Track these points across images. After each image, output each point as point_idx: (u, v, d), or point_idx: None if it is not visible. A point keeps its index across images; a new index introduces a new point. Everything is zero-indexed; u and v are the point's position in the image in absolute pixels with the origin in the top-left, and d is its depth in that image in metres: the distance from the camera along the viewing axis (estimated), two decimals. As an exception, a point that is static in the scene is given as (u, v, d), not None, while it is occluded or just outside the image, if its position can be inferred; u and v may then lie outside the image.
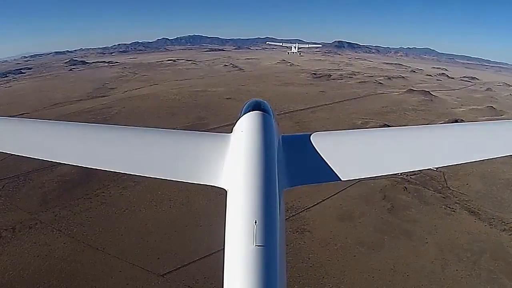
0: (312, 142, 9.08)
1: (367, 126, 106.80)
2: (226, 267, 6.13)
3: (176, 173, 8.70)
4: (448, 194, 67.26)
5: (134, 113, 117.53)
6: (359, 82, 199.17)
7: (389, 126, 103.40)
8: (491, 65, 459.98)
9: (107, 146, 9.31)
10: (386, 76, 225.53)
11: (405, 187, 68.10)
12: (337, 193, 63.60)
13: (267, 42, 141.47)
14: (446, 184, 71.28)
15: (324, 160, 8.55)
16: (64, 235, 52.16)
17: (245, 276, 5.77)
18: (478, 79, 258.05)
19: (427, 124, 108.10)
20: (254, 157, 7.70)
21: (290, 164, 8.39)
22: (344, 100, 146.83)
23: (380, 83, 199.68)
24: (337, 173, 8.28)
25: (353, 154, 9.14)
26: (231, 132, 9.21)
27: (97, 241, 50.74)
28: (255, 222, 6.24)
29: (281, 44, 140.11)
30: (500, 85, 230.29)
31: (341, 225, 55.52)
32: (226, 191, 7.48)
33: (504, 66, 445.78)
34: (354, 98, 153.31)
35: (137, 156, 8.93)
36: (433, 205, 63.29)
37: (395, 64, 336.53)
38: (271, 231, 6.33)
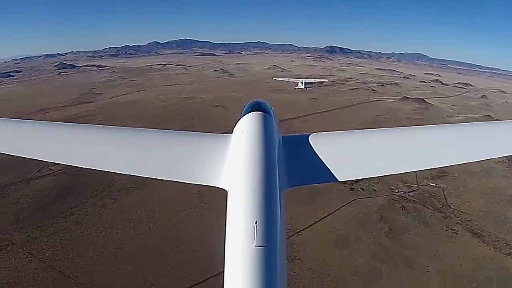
0: (313, 143, 8.91)
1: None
2: (227, 267, 5.94)
3: (176, 174, 8.32)
4: (449, 214, 63.49)
5: (118, 121, 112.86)
6: (352, 89, 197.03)
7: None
8: (483, 70, 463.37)
9: (108, 147, 9.09)
10: (379, 83, 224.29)
11: (403, 206, 64.26)
12: (330, 213, 59.81)
13: (273, 78, 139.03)
14: (446, 201, 67.71)
15: (325, 161, 8.41)
16: (35, 260, 47.99)
17: (246, 276, 5.59)
18: (472, 85, 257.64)
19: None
20: (255, 158, 7.63)
21: (291, 165, 8.27)
22: (337, 108, 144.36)
23: (373, 90, 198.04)
24: (337, 173, 8.11)
25: (353, 155, 8.95)
26: (232, 132, 9.06)
27: (70, 268, 46.53)
28: (255, 223, 6.09)
29: (288, 79, 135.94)
30: (494, 92, 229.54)
31: (335, 252, 51.17)
32: (226, 192, 7.34)
33: (496, 72, 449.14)
34: (347, 106, 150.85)
35: (138, 157, 8.82)
36: (434, 226, 59.31)
37: (388, 70, 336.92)
38: (271, 232, 6.18)
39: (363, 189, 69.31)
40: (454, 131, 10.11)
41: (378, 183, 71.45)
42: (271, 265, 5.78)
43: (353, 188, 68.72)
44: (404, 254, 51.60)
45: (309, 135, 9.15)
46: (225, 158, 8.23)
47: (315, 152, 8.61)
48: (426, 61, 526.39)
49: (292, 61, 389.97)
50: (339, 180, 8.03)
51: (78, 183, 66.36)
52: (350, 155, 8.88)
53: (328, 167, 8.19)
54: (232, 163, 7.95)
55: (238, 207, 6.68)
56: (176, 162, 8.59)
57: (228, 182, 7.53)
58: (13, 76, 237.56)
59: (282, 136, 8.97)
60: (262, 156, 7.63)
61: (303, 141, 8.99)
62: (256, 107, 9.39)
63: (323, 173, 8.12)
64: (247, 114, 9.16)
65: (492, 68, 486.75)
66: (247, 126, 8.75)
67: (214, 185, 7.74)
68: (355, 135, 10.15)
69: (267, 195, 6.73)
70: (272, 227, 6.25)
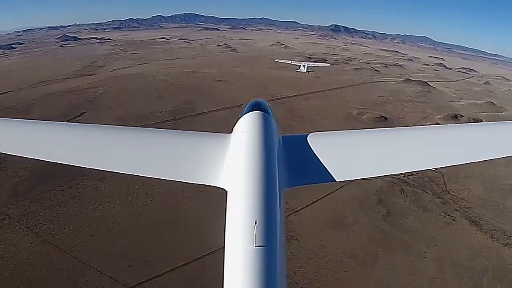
0: (313, 143, 9.00)
1: (363, 117, 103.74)
2: (226, 268, 6.02)
3: (176, 173, 8.47)
4: (448, 200, 63.06)
5: (120, 94, 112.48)
6: (355, 69, 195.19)
7: (385, 118, 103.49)
8: (487, 57, 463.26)
9: (107, 146, 9.20)
10: (382, 64, 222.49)
11: (402, 189, 63.71)
12: (329, 194, 58.91)
13: (275, 60, 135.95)
14: (446, 187, 67.08)
15: (325, 161, 8.44)
16: (31, 234, 47.44)
17: (245, 276, 5.68)
18: (475, 71, 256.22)
19: (425, 117, 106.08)
20: (254, 157, 7.68)
21: (290, 164, 8.34)
22: (339, 88, 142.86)
23: (377, 70, 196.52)
24: (337, 173, 8.19)
25: (353, 155, 9.05)
26: (231, 131, 9.27)
27: (65, 242, 45.90)
28: (255, 222, 6.19)
29: (290, 62, 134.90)
30: (498, 79, 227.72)
31: (332, 234, 50.83)
32: (226, 192, 7.41)
33: (500, 59, 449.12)
34: (350, 86, 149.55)
35: (137, 157, 8.94)
36: (432, 212, 58.96)
37: (392, 51, 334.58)
38: (271, 231, 6.27)
39: (363, 171, 68.33)
40: (453, 131, 10.27)
41: (378, 165, 70.58)
42: (271, 265, 5.86)
43: (353, 169, 67.77)
44: (402, 238, 51.23)
45: (308, 134, 9.30)
46: (224, 158, 8.38)
47: (315, 152, 8.69)
48: (430, 44, 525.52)
49: (296, 38, 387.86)
50: (338, 181, 8.12)
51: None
52: (350, 155, 9.04)
53: (328, 167, 8.29)
54: (231, 163, 8.09)
55: (237, 206, 6.76)
56: (176, 161, 8.74)
57: (228, 182, 7.64)
58: (15, 48, 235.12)
59: (282, 136, 9.12)
60: (262, 156, 7.72)
61: (303, 141, 9.12)
62: (256, 106, 9.59)
63: (323, 173, 8.21)
64: (247, 114, 9.34)
65: (496, 55, 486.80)
66: (247, 125, 8.93)
67: (213, 185, 7.89)
68: (354, 135, 10.31)
69: (267, 195, 6.82)
70: (272, 227, 6.33)
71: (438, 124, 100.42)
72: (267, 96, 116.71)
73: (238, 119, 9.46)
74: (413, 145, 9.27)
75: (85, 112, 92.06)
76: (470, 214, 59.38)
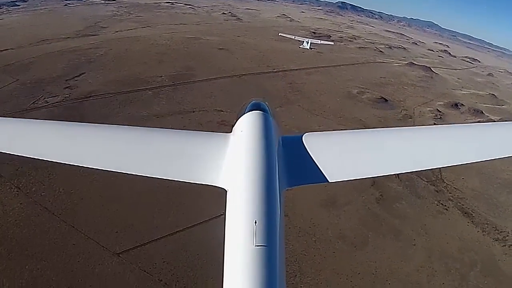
0: (312, 143, 9.04)
1: (362, 97, 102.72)
2: (226, 267, 6.03)
3: (175, 173, 8.38)
4: (442, 188, 62.76)
5: (120, 56, 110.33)
6: (359, 48, 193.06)
7: (385, 99, 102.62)
8: (493, 48, 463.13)
9: (107, 146, 9.16)
10: (387, 45, 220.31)
11: (397, 174, 62.94)
12: (323, 172, 58.22)
13: (279, 34, 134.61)
14: (441, 175, 66.49)
15: (324, 161, 8.49)
16: (22, 194, 46.62)
17: (245, 276, 5.68)
18: (479, 61, 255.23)
19: (425, 103, 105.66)
20: (254, 157, 7.78)
21: (290, 164, 8.44)
22: (342, 65, 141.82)
23: (381, 51, 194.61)
24: (336, 174, 8.28)
25: (350, 155, 9.04)
26: (231, 131, 9.37)
27: (55, 205, 45.21)
28: (255, 222, 6.23)
29: (293, 37, 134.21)
30: (501, 72, 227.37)
31: (323, 213, 50.48)
32: (226, 191, 7.47)
33: (506, 52, 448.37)
34: (352, 64, 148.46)
35: (137, 156, 8.89)
36: (425, 199, 58.73)
37: (397, 33, 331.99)
38: (271, 231, 6.30)
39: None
40: (449, 131, 10.25)
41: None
42: (271, 265, 5.83)
43: (349, 150, 67.21)
44: (393, 223, 51.06)
45: (305, 134, 9.41)
46: (224, 157, 8.43)
47: (314, 153, 8.78)
48: (436, 30, 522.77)
49: (303, 12, 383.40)
50: (337, 181, 8.20)
51: (74, 117, 63.77)
52: (350, 155, 9.09)
53: (327, 167, 8.37)
54: (231, 162, 8.14)
55: (237, 206, 6.79)
56: (175, 161, 8.69)
57: (228, 181, 7.68)
58: (18, 5, 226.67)
59: (282, 136, 9.23)
60: (261, 155, 7.81)
61: (303, 141, 9.19)
62: (255, 106, 9.66)
63: (323, 173, 8.27)
64: (246, 114, 9.40)
65: (502, 48, 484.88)
66: (247, 125, 9.01)
67: (213, 184, 7.93)
68: (355, 135, 10.51)
69: (267, 195, 6.88)
70: (271, 227, 6.35)
71: (438, 110, 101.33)
72: (270, 68, 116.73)
73: (238, 119, 9.55)
74: (410, 146, 9.36)
75: (84, 73, 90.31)
76: (463, 205, 59.25)
